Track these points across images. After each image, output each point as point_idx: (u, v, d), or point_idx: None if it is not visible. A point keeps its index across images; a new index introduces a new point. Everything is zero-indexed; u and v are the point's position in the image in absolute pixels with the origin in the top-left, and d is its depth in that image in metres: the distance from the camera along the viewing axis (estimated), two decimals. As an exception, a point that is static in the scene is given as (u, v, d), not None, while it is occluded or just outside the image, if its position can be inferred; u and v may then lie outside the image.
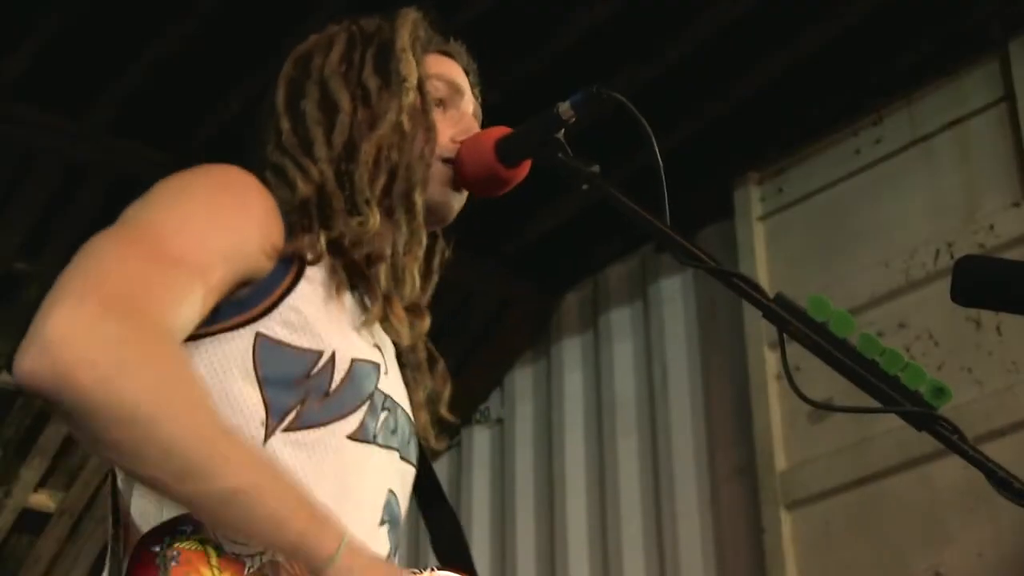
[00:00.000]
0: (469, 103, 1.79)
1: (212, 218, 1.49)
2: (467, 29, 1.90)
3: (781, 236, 4.31)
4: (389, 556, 1.55)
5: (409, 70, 1.71)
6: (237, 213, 1.51)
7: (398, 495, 1.60)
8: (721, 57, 4.03)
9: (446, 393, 1.73)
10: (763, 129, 4.33)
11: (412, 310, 1.67)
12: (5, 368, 4.99)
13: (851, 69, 4.13)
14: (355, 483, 1.52)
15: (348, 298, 1.58)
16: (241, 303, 1.49)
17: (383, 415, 1.56)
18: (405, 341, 1.64)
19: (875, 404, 1.41)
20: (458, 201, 1.74)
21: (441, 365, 1.73)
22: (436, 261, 1.75)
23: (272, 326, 1.49)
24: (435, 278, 1.75)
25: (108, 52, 3.92)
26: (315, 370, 1.50)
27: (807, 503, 3.95)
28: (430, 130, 1.70)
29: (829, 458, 3.93)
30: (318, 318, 1.52)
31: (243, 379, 1.48)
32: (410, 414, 1.65)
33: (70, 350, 1.27)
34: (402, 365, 1.69)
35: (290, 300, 1.51)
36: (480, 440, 5.04)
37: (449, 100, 1.76)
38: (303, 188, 1.61)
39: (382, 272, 1.61)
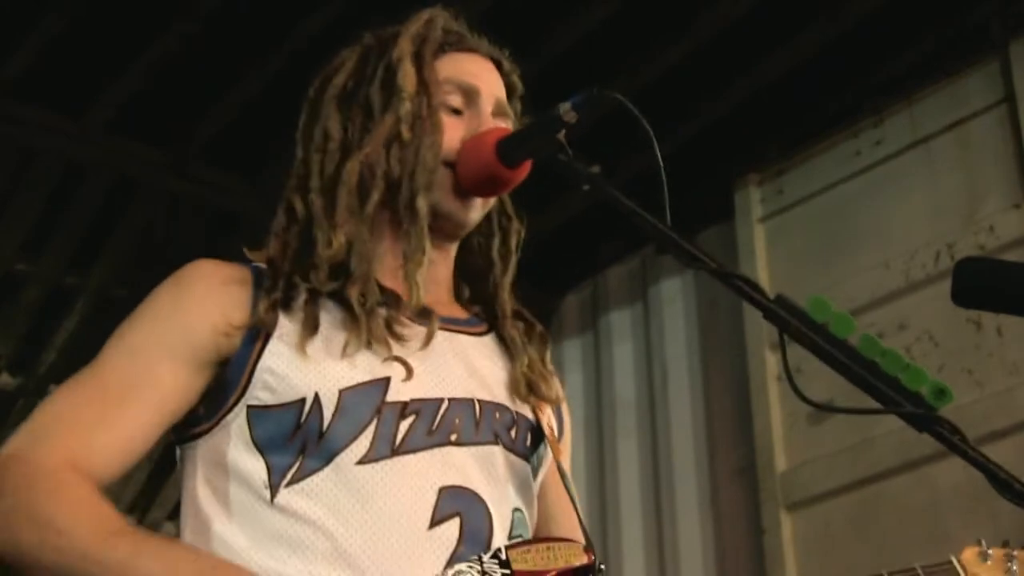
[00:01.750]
0: (488, 101, 1.76)
1: (153, 328, 1.62)
2: (466, 30, 1.89)
3: (781, 237, 4.31)
4: (456, 553, 1.55)
5: (405, 79, 1.71)
6: (178, 312, 1.62)
7: (467, 483, 1.60)
8: (721, 57, 4.03)
9: (544, 354, 1.78)
10: (763, 130, 4.33)
11: (423, 313, 1.68)
12: (5, 369, 5.00)
13: (851, 69, 4.13)
14: (382, 502, 1.54)
15: (332, 330, 1.60)
16: (227, 386, 1.59)
17: (405, 423, 1.58)
18: (424, 345, 1.65)
19: (876, 405, 1.41)
20: (469, 209, 1.72)
21: (538, 329, 1.79)
22: (512, 241, 1.82)
23: (256, 394, 1.58)
24: (513, 258, 1.81)
25: (108, 52, 3.92)
26: (303, 418, 1.55)
27: (807, 504, 3.95)
28: (436, 132, 1.69)
29: (829, 459, 3.93)
30: (293, 368, 1.57)
31: (246, 451, 1.58)
32: (479, 397, 1.65)
33: None
34: (504, 341, 1.74)
35: (263, 364, 1.58)
36: (480, 441, 5.03)
37: (465, 105, 1.75)
38: (274, 246, 1.69)
39: (352, 293, 1.61)
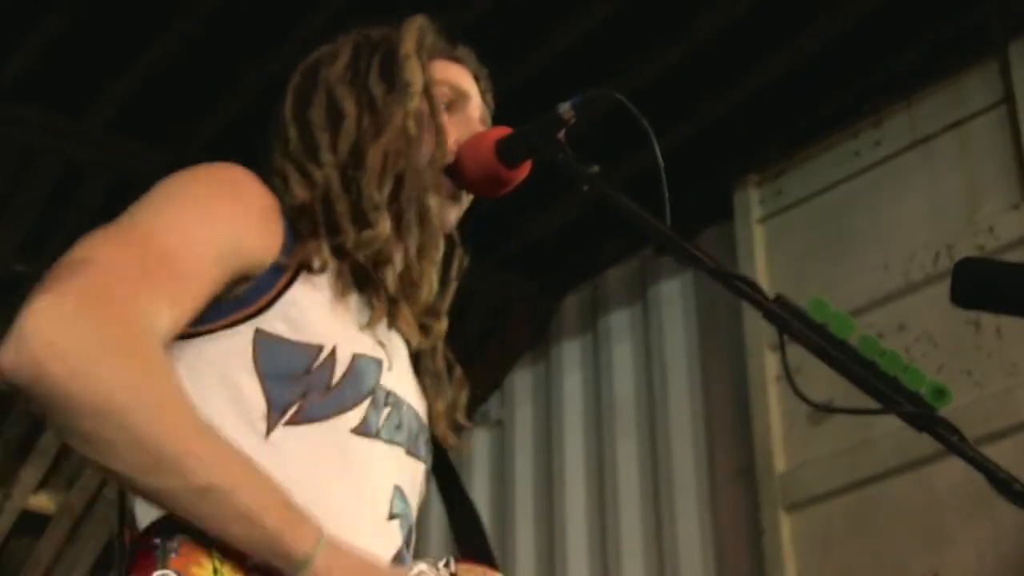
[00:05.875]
0: (476, 108, 1.78)
1: (205, 216, 1.51)
2: (467, 30, 1.89)
3: (781, 238, 4.31)
4: (400, 551, 1.56)
5: (414, 75, 1.72)
6: (232, 210, 1.53)
7: (406, 491, 1.61)
8: (721, 57, 4.03)
9: (463, 399, 1.77)
10: (763, 131, 4.33)
11: (428, 314, 1.71)
12: (4, 368, 4.99)
13: (851, 69, 4.13)
14: (360, 477, 1.53)
15: (354, 299, 1.59)
16: (240, 300, 1.52)
17: (386, 411, 1.58)
18: (415, 344, 1.67)
19: (875, 405, 1.41)
20: (454, 212, 1.74)
21: (458, 372, 1.77)
22: (454, 268, 1.78)
23: (271, 322, 1.51)
24: (453, 285, 1.78)
25: (108, 52, 3.92)
26: (315, 365, 1.51)
27: (807, 505, 3.95)
28: (439, 133, 1.70)
29: (829, 460, 3.92)
30: (318, 314, 1.54)
31: (245, 374, 1.49)
32: (419, 411, 1.67)
33: (45, 342, 1.31)
34: (420, 372, 1.72)
35: (288, 297, 1.53)
36: (480, 442, 5.04)
37: (455, 105, 1.76)
38: (304, 193, 1.64)
39: (388, 276, 1.62)
